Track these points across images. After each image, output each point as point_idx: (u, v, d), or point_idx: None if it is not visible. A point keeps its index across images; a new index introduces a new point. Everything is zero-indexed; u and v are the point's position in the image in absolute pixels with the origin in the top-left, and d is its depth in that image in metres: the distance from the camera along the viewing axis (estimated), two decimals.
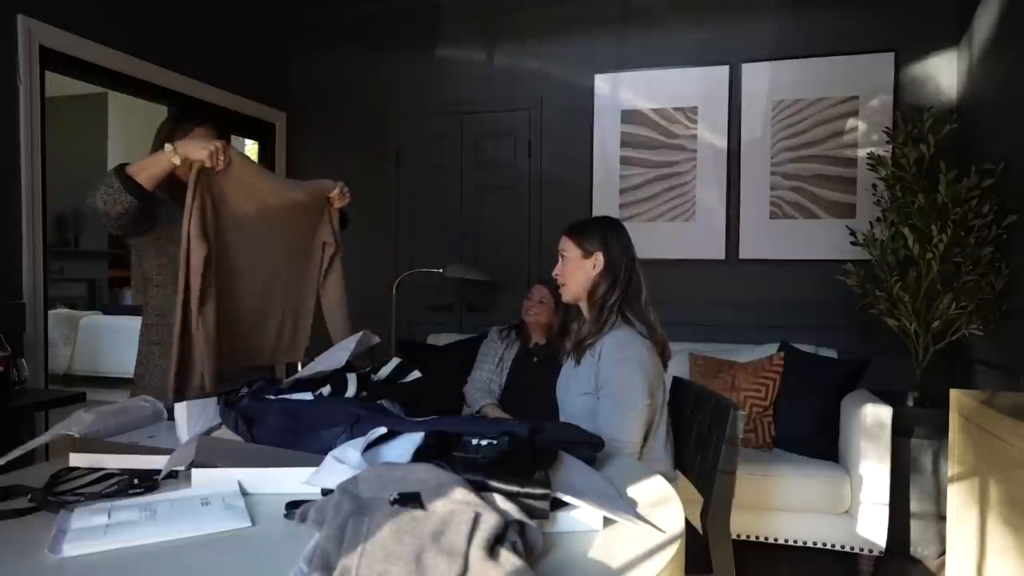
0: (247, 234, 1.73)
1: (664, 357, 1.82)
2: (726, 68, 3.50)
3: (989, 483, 1.81)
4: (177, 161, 1.61)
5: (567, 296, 1.86)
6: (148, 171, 1.62)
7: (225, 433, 1.27)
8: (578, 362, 1.80)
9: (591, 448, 1.18)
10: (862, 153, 3.28)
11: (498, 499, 0.83)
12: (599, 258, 1.79)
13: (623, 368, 1.70)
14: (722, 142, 3.52)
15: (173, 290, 1.66)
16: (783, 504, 2.66)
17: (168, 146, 1.62)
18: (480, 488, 0.85)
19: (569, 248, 1.83)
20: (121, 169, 1.61)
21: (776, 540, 2.70)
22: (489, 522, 0.76)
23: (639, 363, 1.71)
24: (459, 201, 3.95)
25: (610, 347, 1.73)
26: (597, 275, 1.79)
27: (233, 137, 4.08)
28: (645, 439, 1.74)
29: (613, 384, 1.70)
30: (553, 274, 1.88)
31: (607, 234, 1.81)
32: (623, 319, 1.77)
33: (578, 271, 1.81)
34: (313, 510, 0.84)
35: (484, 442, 1.02)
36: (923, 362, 2.85)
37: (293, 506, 0.93)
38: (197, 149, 1.60)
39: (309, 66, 4.20)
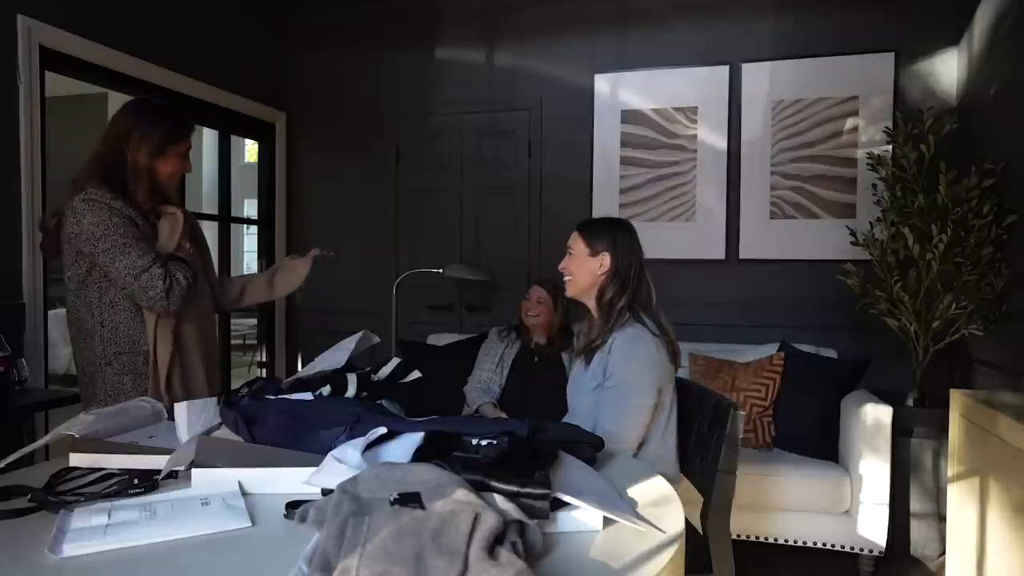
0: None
1: (675, 357, 1.81)
2: (726, 68, 3.50)
3: (989, 483, 1.81)
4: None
5: (573, 290, 1.86)
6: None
7: (225, 433, 1.27)
8: (588, 364, 1.80)
9: (591, 448, 1.18)
10: (862, 153, 3.28)
11: (498, 499, 0.83)
12: (605, 259, 1.80)
13: (630, 363, 1.70)
14: (722, 142, 3.52)
15: (137, 311, 1.73)
16: (783, 504, 2.66)
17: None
18: (480, 488, 0.85)
19: (577, 244, 1.85)
20: (175, 262, 1.72)
21: (776, 540, 2.70)
22: (489, 522, 0.75)
23: (648, 360, 1.71)
24: (459, 201, 3.95)
25: (621, 341, 1.73)
26: (604, 277, 1.80)
27: (233, 137, 4.08)
28: (647, 439, 1.74)
29: (619, 377, 1.71)
30: (560, 268, 1.90)
31: (616, 237, 1.82)
32: (634, 317, 1.77)
33: (583, 267, 1.83)
34: (313, 510, 0.83)
35: (484, 442, 1.02)
36: (923, 362, 2.85)
37: (293, 506, 0.93)
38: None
39: (309, 66, 4.20)
